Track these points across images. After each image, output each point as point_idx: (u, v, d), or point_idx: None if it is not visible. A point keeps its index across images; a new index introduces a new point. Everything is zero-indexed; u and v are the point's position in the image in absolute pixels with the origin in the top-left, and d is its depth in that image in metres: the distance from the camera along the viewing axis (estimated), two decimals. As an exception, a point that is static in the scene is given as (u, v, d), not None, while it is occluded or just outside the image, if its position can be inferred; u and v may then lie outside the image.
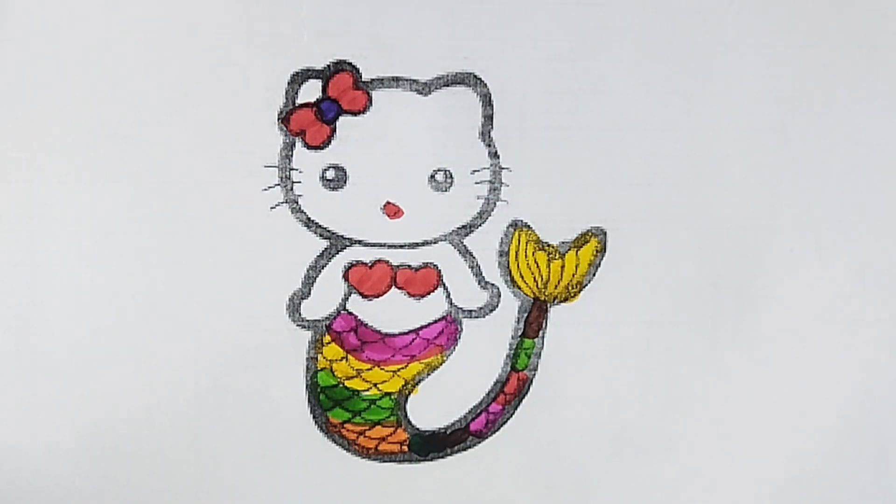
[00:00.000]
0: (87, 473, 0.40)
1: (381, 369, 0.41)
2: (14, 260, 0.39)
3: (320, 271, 0.40)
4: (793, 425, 0.42)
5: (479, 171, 0.39)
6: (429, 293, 0.40)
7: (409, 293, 0.40)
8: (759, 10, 0.40)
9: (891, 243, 0.42)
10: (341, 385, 0.41)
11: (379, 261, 0.40)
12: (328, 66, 0.39)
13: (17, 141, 0.38)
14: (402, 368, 0.41)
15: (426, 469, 0.41)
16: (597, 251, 0.40)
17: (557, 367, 0.41)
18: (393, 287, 0.40)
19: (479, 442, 0.41)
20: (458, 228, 0.40)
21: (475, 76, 0.39)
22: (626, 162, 0.40)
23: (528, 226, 0.40)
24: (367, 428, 0.41)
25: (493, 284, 0.40)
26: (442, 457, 0.41)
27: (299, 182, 0.39)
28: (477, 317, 0.40)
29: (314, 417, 0.41)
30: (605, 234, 0.40)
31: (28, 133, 0.38)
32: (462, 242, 0.40)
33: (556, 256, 0.40)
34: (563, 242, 0.40)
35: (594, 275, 0.40)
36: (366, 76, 0.39)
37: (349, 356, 0.40)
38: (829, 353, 0.42)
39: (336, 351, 0.40)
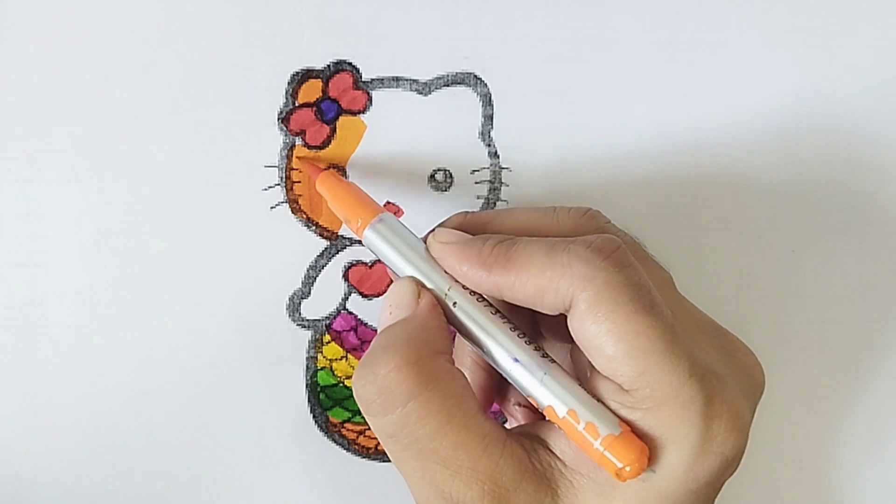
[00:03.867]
0: (87, 473, 0.40)
1: (381, 369, 0.41)
2: (14, 260, 0.39)
3: (320, 271, 0.40)
4: (787, 428, 0.42)
5: (478, 170, 0.40)
6: (429, 293, 0.40)
7: (408, 293, 0.40)
8: (759, 11, 0.40)
9: (892, 243, 0.42)
10: (341, 384, 0.41)
11: (379, 260, 0.40)
12: (328, 66, 0.39)
13: (17, 141, 0.38)
14: (402, 368, 0.41)
15: (426, 469, 0.41)
16: (597, 251, 0.40)
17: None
18: (393, 287, 0.40)
19: (479, 442, 0.41)
20: (458, 228, 0.40)
21: (475, 76, 0.39)
22: (626, 161, 0.40)
23: (528, 225, 0.40)
24: (367, 427, 0.41)
25: (492, 284, 0.40)
26: (442, 456, 0.41)
27: (299, 182, 0.39)
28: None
29: (314, 417, 0.41)
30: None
31: (28, 133, 0.38)
32: (462, 242, 0.40)
33: (556, 256, 0.40)
34: (562, 242, 0.40)
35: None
36: (366, 76, 0.39)
37: (349, 355, 0.40)
38: (830, 353, 0.42)
39: (336, 350, 0.40)
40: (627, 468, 0.30)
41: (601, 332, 0.30)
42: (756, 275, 0.41)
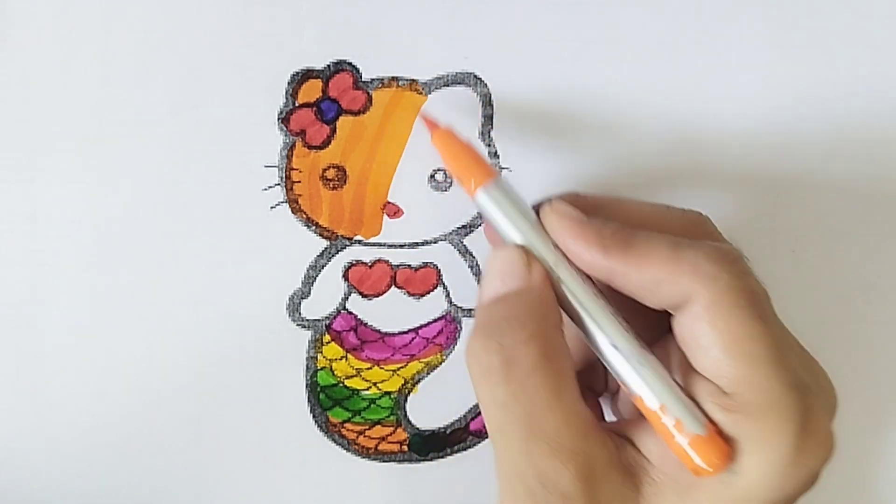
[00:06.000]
0: (87, 473, 0.40)
1: (381, 368, 0.41)
2: (14, 260, 0.39)
3: (320, 270, 0.40)
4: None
5: (478, 170, 0.40)
6: (428, 292, 0.40)
7: (408, 292, 0.40)
8: (760, 10, 0.40)
9: (892, 243, 0.42)
10: (341, 384, 0.41)
11: (379, 260, 0.40)
12: (328, 66, 0.39)
13: (17, 141, 0.38)
14: (402, 367, 0.41)
15: (426, 469, 0.41)
16: (596, 251, 0.40)
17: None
18: (393, 286, 0.40)
19: (479, 442, 0.41)
20: (458, 228, 0.40)
21: (475, 76, 0.39)
22: (626, 162, 0.40)
23: (528, 226, 0.40)
24: (367, 427, 0.41)
25: (492, 284, 0.40)
26: (442, 456, 0.41)
27: (299, 182, 0.39)
28: (477, 316, 0.40)
29: (314, 417, 0.41)
30: (604, 233, 0.40)
31: (28, 133, 0.38)
32: (462, 242, 0.40)
33: (556, 256, 0.40)
34: (562, 242, 0.40)
35: (594, 275, 0.40)
36: (366, 76, 0.39)
37: (349, 355, 0.40)
38: (830, 354, 0.42)
39: (336, 350, 0.40)
40: (708, 468, 0.30)
41: (713, 331, 0.31)
42: (757, 275, 0.41)
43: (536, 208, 0.34)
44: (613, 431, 0.33)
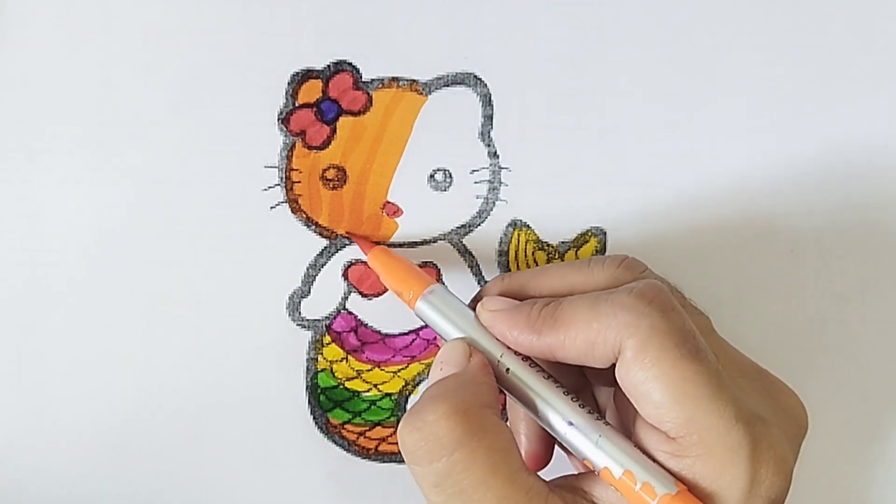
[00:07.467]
0: (88, 473, 0.40)
1: (382, 370, 0.41)
2: (14, 260, 0.39)
3: (320, 270, 0.40)
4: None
5: (478, 170, 0.40)
6: (428, 293, 0.40)
7: (408, 293, 0.40)
8: (759, 10, 0.40)
9: (892, 243, 0.42)
10: (341, 386, 0.41)
11: (378, 260, 0.40)
12: (328, 66, 0.39)
13: (17, 141, 0.38)
14: (403, 369, 0.41)
15: (426, 469, 0.41)
16: (596, 251, 0.40)
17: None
18: (393, 286, 0.40)
19: (479, 442, 0.41)
20: (458, 228, 0.40)
21: (475, 76, 0.39)
22: (626, 162, 0.40)
23: (528, 225, 0.40)
24: (368, 429, 0.41)
25: (492, 284, 0.40)
26: (442, 457, 0.41)
27: (299, 182, 0.39)
28: (477, 316, 0.40)
29: (314, 418, 0.41)
30: (604, 234, 0.40)
31: (28, 133, 0.38)
32: (461, 242, 0.40)
33: (556, 256, 0.40)
34: (562, 242, 0.40)
35: (594, 275, 0.40)
36: (366, 76, 0.39)
37: (349, 357, 0.40)
38: (830, 354, 0.42)
39: (336, 352, 0.40)
40: None
41: (648, 378, 0.31)
42: (756, 275, 0.41)
43: (472, 307, 0.36)
44: (567, 488, 0.33)
